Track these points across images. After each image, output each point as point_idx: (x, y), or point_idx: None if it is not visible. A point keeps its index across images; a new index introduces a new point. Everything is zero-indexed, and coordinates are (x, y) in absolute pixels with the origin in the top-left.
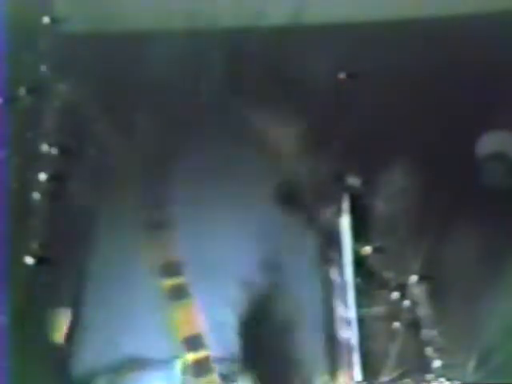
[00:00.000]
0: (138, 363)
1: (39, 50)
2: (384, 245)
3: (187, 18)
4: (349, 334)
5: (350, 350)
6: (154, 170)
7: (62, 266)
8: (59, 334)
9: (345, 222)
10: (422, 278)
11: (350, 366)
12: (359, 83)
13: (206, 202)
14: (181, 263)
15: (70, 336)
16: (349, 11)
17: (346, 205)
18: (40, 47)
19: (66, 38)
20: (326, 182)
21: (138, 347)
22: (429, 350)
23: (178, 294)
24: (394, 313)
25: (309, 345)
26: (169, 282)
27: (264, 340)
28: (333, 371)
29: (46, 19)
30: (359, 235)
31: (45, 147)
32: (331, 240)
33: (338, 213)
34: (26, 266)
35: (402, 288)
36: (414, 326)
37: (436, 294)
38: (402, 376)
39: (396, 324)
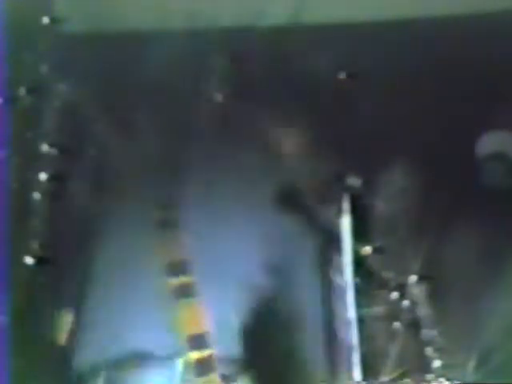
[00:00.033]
0: (140, 359)
1: (39, 50)
2: (384, 245)
3: (187, 17)
4: (349, 334)
5: (349, 350)
6: (165, 170)
7: (62, 266)
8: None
9: (345, 222)
10: (421, 278)
11: (349, 366)
12: (359, 83)
13: (217, 203)
14: (189, 262)
15: (73, 335)
16: (349, 11)
17: (346, 205)
18: (40, 47)
19: (66, 38)
20: (326, 182)
21: (141, 343)
22: (429, 350)
23: (185, 292)
24: (394, 313)
25: (310, 346)
26: (176, 281)
27: (266, 340)
28: (333, 372)
29: (45, 19)
30: (359, 235)
31: (45, 147)
32: (331, 240)
33: (338, 213)
34: (26, 266)
35: (402, 288)
36: (414, 326)
37: (436, 294)
38: (401, 376)
39: (396, 324)
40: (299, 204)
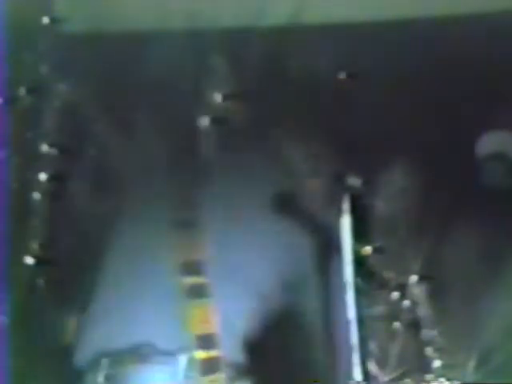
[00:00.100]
0: (143, 355)
1: (39, 50)
2: (384, 245)
3: (187, 17)
4: (349, 334)
5: (349, 350)
6: (184, 171)
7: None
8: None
9: (345, 222)
10: (421, 278)
11: (349, 366)
12: (359, 83)
13: (236, 206)
14: (204, 263)
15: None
16: (349, 11)
17: (346, 205)
18: (40, 47)
19: (66, 38)
20: (326, 182)
21: (147, 337)
22: (429, 350)
23: (198, 292)
24: (394, 313)
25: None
26: (189, 280)
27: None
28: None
29: (45, 19)
30: (359, 235)
31: (45, 147)
32: (331, 240)
33: (339, 213)
34: (26, 266)
35: (402, 288)
36: (414, 326)
37: (436, 294)
38: (402, 376)
39: (396, 324)
40: (299, 205)
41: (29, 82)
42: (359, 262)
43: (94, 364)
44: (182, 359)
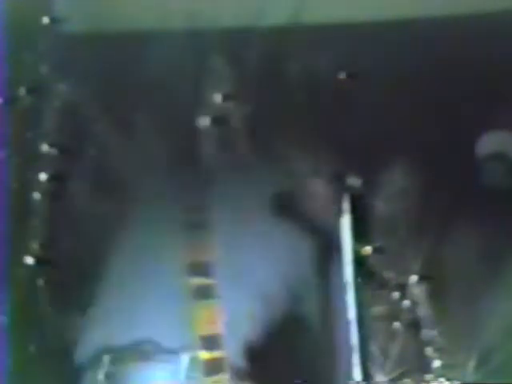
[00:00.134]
0: (146, 352)
1: (39, 50)
2: (384, 245)
3: (187, 17)
4: (349, 335)
5: (349, 350)
6: (188, 172)
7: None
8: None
9: (345, 222)
10: (421, 278)
11: (349, 366)
12: (359, 83)
13: (245, 208)
14: (212, 265)
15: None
16: (349, 11)
17: (346, 205)
18: (40, 47)
19: (66, 38)
20: (326, 182)
21: (149, 334)
22: (429, 350)
23: (204, 293)
24: (394, 313)
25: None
26: (196, 281)
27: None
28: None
29: (45, 19)
30: (359, 235)
31: (45, 147)
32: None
33: (338, 213)
34: (26, 266)
35: (402, 288)
36: (414, 326)
37: (436, 294)
38: (401, 376)
39: (396, 324)
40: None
41: (29, 82)
42: (359, 262)
43: (95, 361)
44: (185, 358)
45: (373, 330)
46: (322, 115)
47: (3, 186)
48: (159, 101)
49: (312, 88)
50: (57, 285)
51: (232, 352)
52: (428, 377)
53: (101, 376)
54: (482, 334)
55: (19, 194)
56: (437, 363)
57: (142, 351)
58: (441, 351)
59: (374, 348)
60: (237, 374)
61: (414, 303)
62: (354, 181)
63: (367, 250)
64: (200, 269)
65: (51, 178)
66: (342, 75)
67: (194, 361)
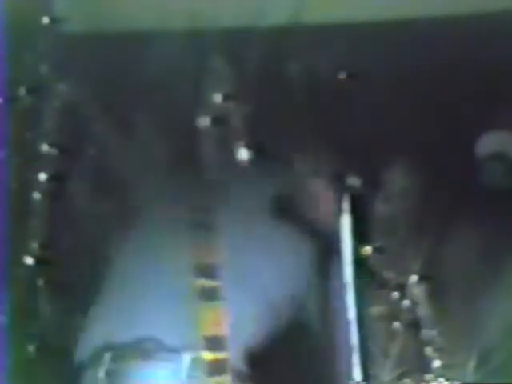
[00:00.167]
0: (148, 350)
1: (39, 50)
2: (384, 245)
3: (187, 17)
4: (349, 334)
5: (349, 350)
6: (202, 173)
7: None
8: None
9: (345, 222)
10: (421, 278)
11: (349, 366)
12: (359, 83)
13: (253, 212)
14: (218, 267)
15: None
16: (349, 11)
17: (346, 205)
18: (40, 47)
19: (66, 38)
20: (326, 182)
21: (152, 331)
22: (429, 350)
23: (209, 295)
24: (394, 313)
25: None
26: (202, 283)
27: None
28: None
29: (45, 19)
30: (359, 235)
31: (45, 147)
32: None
33: (338, 213)
34: (26, 266)
35: (402, 288)
36: (414, 326)
37: (436, 294)
38: (401, 376)
39: (396, 324)
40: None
41: (29, 82)
42: (359, 261)
43: (96, 359)
44: (187, 357)
45: (373, 330)
46: (321, 115)
47: (3, 186)
48: (159, 101)
49: (312, 88)
50: (57, 285)
51: (235, 354)
52: (428, 377)
53: (101, 374)
54: (481, 334)
55: (19, 193)
56: (437, 363)
57: (143, 349)
58: (441, 351)
59: (374, 348)
60: (239, 376)
61: (414, 303)
62: (354, 181)
63: (367, 250)
64: (206, 271)
65: (51, 178)
66: (342, 75)
67: (196, 360)
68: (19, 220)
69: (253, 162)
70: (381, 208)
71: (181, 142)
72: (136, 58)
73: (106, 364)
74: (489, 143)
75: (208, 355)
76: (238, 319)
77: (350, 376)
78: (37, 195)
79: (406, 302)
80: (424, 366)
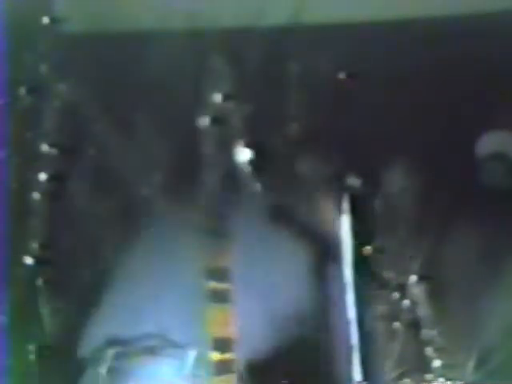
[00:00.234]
0: (152, 346)
1: (39, 50)
2: (384, 245)
3: (187, 18)
4: (349, 334)
5: (349, 350)
6: (219, 183)
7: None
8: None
9: (345, 222)
10: (421, 278)
11: (349, 366)
12: (359, 83)
13: (264, 219)
14: (229, 271)
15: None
16: (349, 11)
17: (346, 205)
18: (40, 47)
19: (66, 38)
20: (326, 182)
21: (159, 330)
22: (429, 350)
23: (220, 297)
24: (394, 313)
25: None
26: (213, 285)
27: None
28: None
29: (46, 19)
30: (359, 235)
31: (45, 147)
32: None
33: (338, 213)
34: (26, 266)
35: (402, 288)
36: (414, 325)
37: (436, 294)
38: (401, 376)
39: (396, 324)
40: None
41: (29, 81)
42: (359, 261)
43: (99, 355)
44: (191, 354)
45: (373, 330)
46: (322, 115)
47: (3, 186)
48: (159, 101)
49: (312, 88)
50: (57, 285)
51: (242, 355)
52: (428, 377)
53: (104, 370)
54: (481, 334)
55: (19, 193)
56: (437, 363)
57: (148, 346)
58: (441, 351)
59: (374, 348)
60: (244, 376)
61: (414, 303)
62: (354, 181)
63: (367, 250)
64: (217, 274)
65: (51, 178)
66: (342, 75)
67: (200, 359)
68: (19, 220)
69: (252, 161)
70: (381, 208)
71: (181, 142)
72: (136, 57)
73: (109, 361)
74: (489, 143)
75: (215, 355)
76: (246, 322)
77: (350, 376)
78: (37, 195)
79: (406, 302)
80: (424, 366)
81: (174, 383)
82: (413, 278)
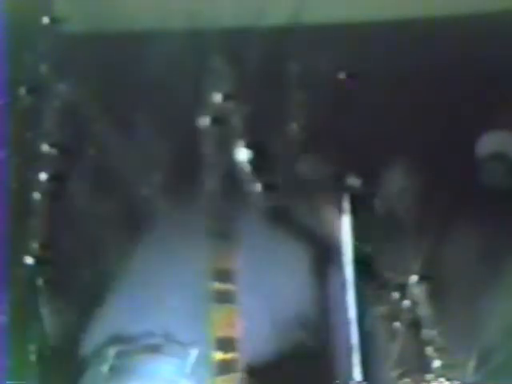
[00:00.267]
0: (154, 344)
1: (39, 50)
2: (384, 245)
3: (187, 18)
4: (349, 334)
5: (349, 350)
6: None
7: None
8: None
9: (345, 222)
10: (421, 278)
11: (349, 366)
12: (359, 83)
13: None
14: (235, 272)
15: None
16: (349, 11)
17: (346, 205)
18: (40, 47)
19: (66, 38)
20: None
21: (161, 328)
22: (429, 350)
23: (224, 298)
24: (394, 313)
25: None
26: (218, 286)
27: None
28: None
29: (45, 19)
30: (359, 235)
31: (45, 147)
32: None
33: (338, 213)
34: (26, 266)
35: (402, 288)
36: (414, 325)
37: (436, 294)
38: (401, 376)
39: (396, 324)
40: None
41: (29, 81)
42: (359, 262)
43: (101, 353)
44: (193, 353)
45: (373, 330)
46: (322, 115)
47: (3, 186)
48: (159, 101)
49: (312, 88)
50: (57, 285)
51: (245, 355)
52: (428, 377)
53: (105, 368)
54: (482, 333)
55: (19, 193)
56: (437, 363)
57: (150, 345)
58: (441, 351)
59: (374, 348)
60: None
61: (414, 303)
62: (354, 181)
63: (368, 250)
64: (224, 276)
65: (51, 178)
66: (342, 75)
67: (204, 358)
68: (19, 220)
69: (252, 161)
70: (381, 208)
71: (181, 142)
72: (136, 57)
73: (110, 359)
74: (489, 143)
75: (218, 355)
76: (250, 322)
77: (350, 376)
78: (37, 195)
79: (406, 302)
80: (424, 366)
81: (176, 381)
82: (413, 278)
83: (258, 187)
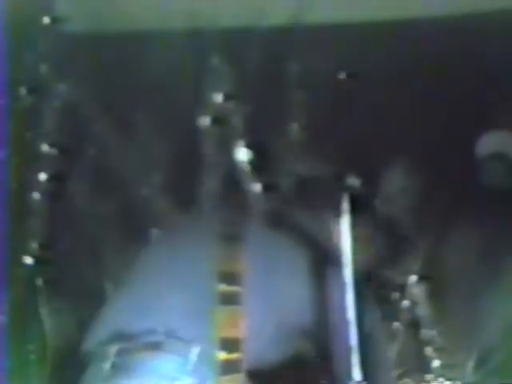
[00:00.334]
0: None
1: (39, 50)
2: (384, 245)
3: (187, 17)
4: (349, 334)
5: (349, 350)
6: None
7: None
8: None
9: (345, 222)
10: (421, 278)
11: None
12: (359, 83)
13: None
14: (241, 275)
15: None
16: (349, 11)
17: (346, 205)
18: (40, 47)
19: (66, 38)
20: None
21: (164, 326)
22: (428, 350)
23: (229, 299)
24: (394, 313)
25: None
26: (224, 288)
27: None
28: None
29: (46, 19)
30: (359, 235)
31: (45, 147)
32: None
33: (338, 213)
34: (26, 266)
35: (402, 288)
36: (414, 325)
37: (436, 294)
38: (401, 376)
39: (396, 324)
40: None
41: (29, 81)
42: (359, 262)
43: (102, 351)
44: (195, 351)
45: (373, 330)
46: (322, 115)
47: (3, 186)
48: (159, 101)
49: (312, 88)
50: (57, 285)
51: (248, 356)
52: (428, 377)
53: (107, 365)
54: (481, 333)
55: (19, 193)
56: (437, 363)
57: (151, 342)
58: (441, 351)
59: (374, 348)
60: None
61: (414, 303)
62: (354, 181)
63: (368, 250)
64: (230, 278)
65: (51, 178)
66: (342, 75)
67: (207, 357)
68: (19, 220)
69: (252, 161)
70: (381, 208)
71: (181, 142)
72: (136, 57)
73: (112, 356)
74: (489, 143)
75: (221, 355)
76: (254, 323)
77: (349, 376)
78: (37, 195)
79: (406, 302)
80: (424, 366)
81: (178, 379)
82: (413, 278)
83: (258, 187)
